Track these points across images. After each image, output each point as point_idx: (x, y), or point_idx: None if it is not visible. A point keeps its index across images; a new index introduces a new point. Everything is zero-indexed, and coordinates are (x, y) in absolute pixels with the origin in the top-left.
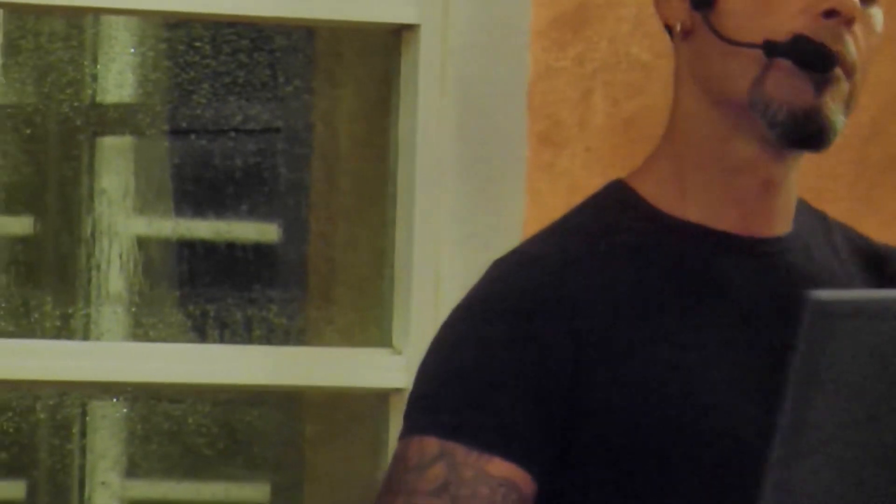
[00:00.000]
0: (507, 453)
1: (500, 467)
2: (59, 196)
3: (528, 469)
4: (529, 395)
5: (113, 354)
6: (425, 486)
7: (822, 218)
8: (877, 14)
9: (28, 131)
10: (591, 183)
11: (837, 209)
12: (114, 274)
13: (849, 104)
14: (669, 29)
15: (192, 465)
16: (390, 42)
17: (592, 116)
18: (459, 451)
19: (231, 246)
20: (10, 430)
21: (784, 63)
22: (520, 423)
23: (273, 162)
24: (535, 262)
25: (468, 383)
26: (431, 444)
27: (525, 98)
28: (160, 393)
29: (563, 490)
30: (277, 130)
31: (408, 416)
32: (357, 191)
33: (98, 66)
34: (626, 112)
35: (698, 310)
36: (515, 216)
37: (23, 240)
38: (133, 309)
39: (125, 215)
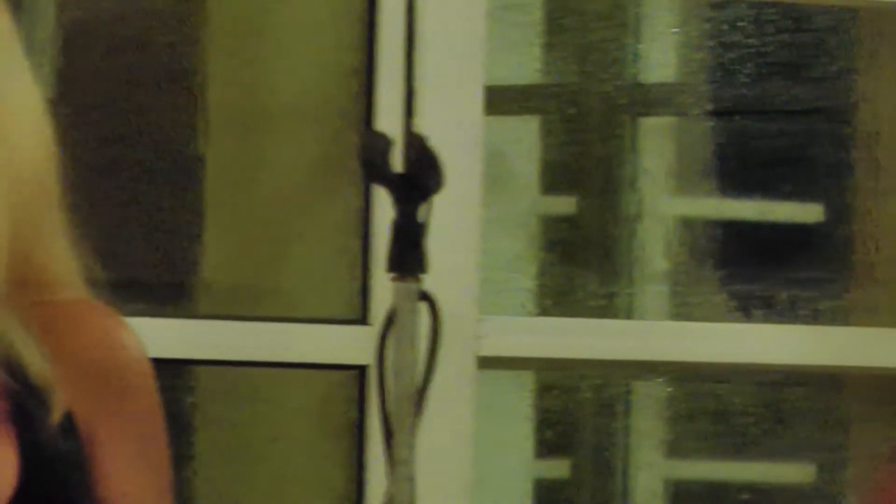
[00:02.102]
0: None
1: None
2: (602, 176)
3: None
4: None
5: (656, 334)
6: None
7: None
8: None
9: (571, 111)
10: None
11: None
12: (657, 254)
13: None
14: None
15: (734, 445)
16: None
17: None
18: None
19: (773, 226)
20: (556, 408)
21: None
22: None
23: (815, 142)
24: None
25: None
26: None
27: None
28: (703, 373)
29: None
30: (819, 111)
31: None
32: None
33: (641, 46)
34: None
35: None
36: None
37: (566, 219)
38: (676, 288)
39: (668, 195)
